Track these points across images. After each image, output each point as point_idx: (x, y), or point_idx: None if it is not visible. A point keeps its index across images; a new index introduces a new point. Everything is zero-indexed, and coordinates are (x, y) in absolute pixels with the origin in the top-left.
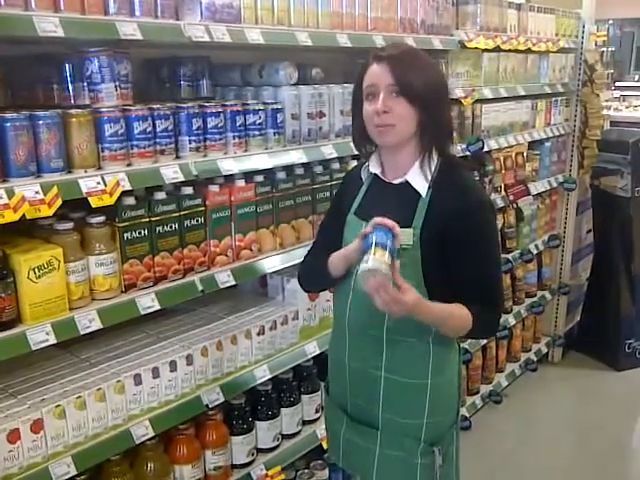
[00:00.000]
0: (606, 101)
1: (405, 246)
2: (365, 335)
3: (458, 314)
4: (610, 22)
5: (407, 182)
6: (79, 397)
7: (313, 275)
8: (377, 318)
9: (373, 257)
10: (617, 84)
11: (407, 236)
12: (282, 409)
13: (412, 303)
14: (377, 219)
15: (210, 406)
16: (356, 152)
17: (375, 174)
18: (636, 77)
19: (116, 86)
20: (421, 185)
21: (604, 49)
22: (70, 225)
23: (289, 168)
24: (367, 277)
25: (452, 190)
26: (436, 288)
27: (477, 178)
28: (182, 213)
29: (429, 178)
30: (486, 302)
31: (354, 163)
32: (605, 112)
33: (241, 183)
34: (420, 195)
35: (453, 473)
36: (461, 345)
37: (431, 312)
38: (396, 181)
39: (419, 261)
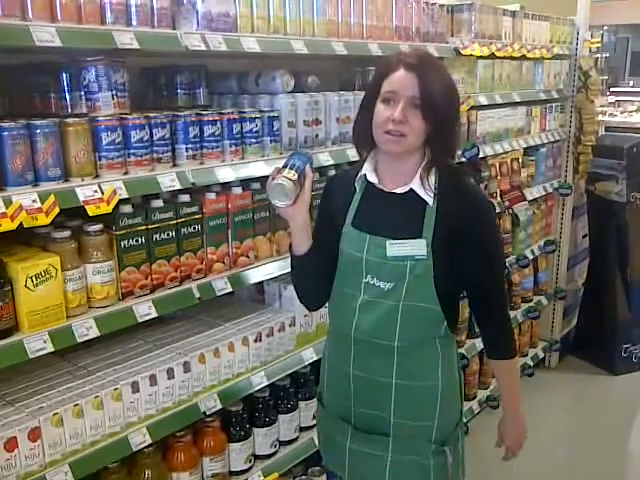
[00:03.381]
0: (601, 107)
1: (419, 257)
2: (374, 344)
3: (514, 375)
4: (605, 28)
5: (411, 191)
6: (76, 405)
7: (298, 276)
8: (388, 327)
9: (283, 176)
10: (612, 90)
11: (420, 247)
12: (279, 416)
13: (518, 428)
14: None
15: (207, 413)
16: (352, 159)
17: (368, 182)
18: (631, 83)
19: (113, 95)
20: (427, 193)
21: (598, 55)
22: (67, 233)
23: None
24: (274, 195)
25: (457, 196)
26: (445, 295)
27: None
28: (179, 221)
29: (434, 186)
30: (495, 301)
31: None
32: (600, 118)
33: (238, 191)
34: (426, 204)
35: (460, 472)
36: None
37: (518, 405)
38: (398, 190)
39: (431, 270)
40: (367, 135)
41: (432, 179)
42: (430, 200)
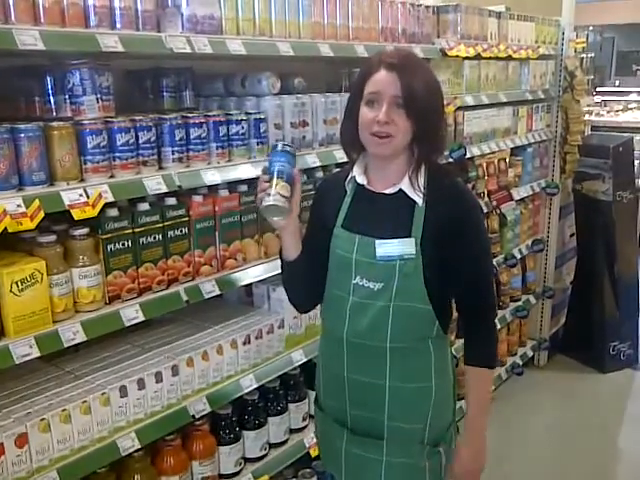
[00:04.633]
0: (587, 106)
1: (408, 256)
2: (366, 346)
3: (488, 388)
4: (590, 28)
5: (401, 191)
6: (64, 410)
7: (288, 280)
8: (380, 328)
9: (275, 190)
10: (598, 89)
11: (409, 246)
12: (269, 418)
13: (476, 454)
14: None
15: (197, 416)
16: (340, 161)
17: (358, 184)
18: (617, 82)
19: (98, 98)
20: (416, 193)
21: (584, 55)
22: (53, 238)
23: None
24: (269, 213)
25: (446, 195)
26: (436, 294)
27: None
28: (166, 224)
29: (423, 186)
30: (483, 304)
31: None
32: (586, 117)
33: (225, 193)
34: (415, 203)
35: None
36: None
37: (483, 425)
38: (388, 191)
39: (421, 269)
40: (354, 138)
41: (421, 179)
42: (419, 200)
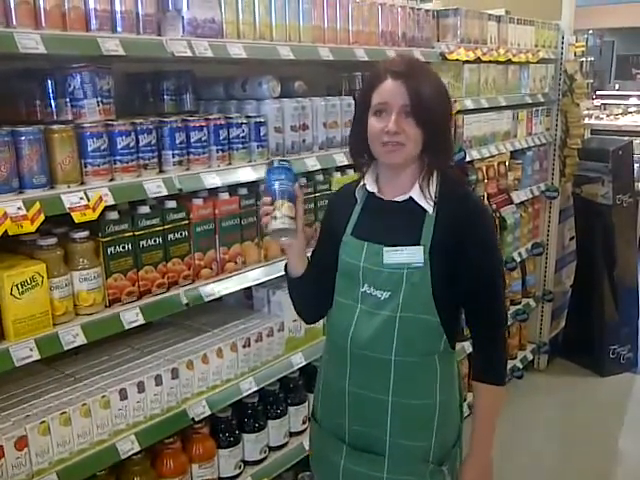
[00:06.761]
0: (587, 110)
1: (416, 264)
2: (370, 358)
3: (497, 406)
4: (590, 32)
5: (411, 199)
6: (64, 413)
7: (295, 294)
8: (385, 339)
9: (280, 213)
10: (598, 93)
11: (417, 254)
12: (269, 421)
13: (481, 470)
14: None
15: (196, 420)
16: (340, 164)
17: (368, 192)
18: (616, 86)
19: (98, 101)
20: (426, 202)
21: (583, 59)
22: (53, 240)
23: None
24: (277, 236)
25: (455, 202)
26: (444, 306)
27: None
28: (166, 227)
29: (433, 195)
30: (493, 318)
31: (337, 175)
32: (586, 121)
33: (225, 196)
34: (425, 212)
35: None
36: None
37: (489, 444)
38: (398, 199)
39: (429, 279)
40: (363, 149)
41: (433, 187)
42: (430, 208)
